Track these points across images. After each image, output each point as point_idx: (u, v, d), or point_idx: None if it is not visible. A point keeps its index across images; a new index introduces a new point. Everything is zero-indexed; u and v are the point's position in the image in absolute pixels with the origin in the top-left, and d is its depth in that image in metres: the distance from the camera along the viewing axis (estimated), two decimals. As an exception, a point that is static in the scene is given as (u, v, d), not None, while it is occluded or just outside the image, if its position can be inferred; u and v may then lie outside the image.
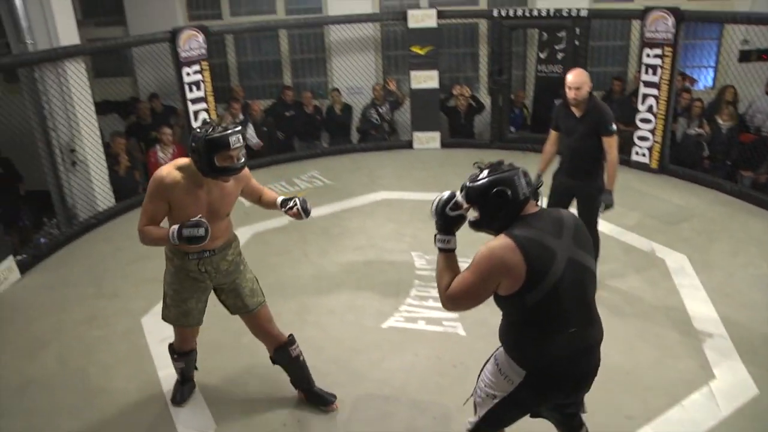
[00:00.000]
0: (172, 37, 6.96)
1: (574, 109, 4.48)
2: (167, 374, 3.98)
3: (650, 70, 7.06)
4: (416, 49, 8.17)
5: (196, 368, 3.81)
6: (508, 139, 8.31)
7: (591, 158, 4.50)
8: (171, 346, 3.64)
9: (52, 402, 3.86)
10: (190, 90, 7.19)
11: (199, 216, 3.00)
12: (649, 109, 7.15)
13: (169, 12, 8.90)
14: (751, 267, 5.11)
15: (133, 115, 8.33)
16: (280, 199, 3.39)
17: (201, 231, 2.94)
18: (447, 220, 2.41)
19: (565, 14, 7.58)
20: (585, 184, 4.55)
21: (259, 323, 3.51)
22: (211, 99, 7.38)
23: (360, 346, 4.24)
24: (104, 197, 6.74)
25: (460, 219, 2.42)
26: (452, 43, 9.23)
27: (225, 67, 9.28)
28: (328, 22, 8.51)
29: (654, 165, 7.29)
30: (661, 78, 6.97)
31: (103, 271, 5.53)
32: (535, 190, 2.37)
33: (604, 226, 5.76)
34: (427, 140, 8.44)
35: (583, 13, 7.52)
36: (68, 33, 6.27)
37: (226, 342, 4.32)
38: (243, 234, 5.93)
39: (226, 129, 2.97)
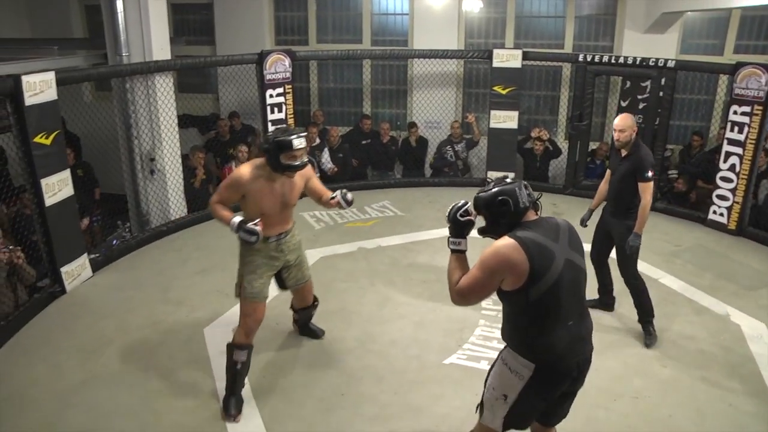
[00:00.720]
0: (260, 59, 7.16)
1: (621, 150, 4.70)
2: (224, 387, 4.01)
3: (736, 128, 6.84)
4: (498, 89, 8.15)
5: (243, 384, 3.96)
6: (582, 186, 8.17)
7: (628, 198, 4.65)
8: (230, 345, 3.87)
9: (112, 400, 3.94)
10: (272, 111, 7.34)
11: (258, 221, 3.65)
12: (732, 168, 6.92)
13: (257, 35, 9.19)
14: (840, 343, 4.82)
15: (213, 131, 8.57)
16: (329, 194, 4.01)
17: (253, 239, 3.60)
18: (458, 224, 2.75)
19: (651, 63, 7.46)
20: (619, 222, 4.72)
21: (305, 291, 4.33)
22: (291, 121, 7.51)
23: (421, 380, 4.19)
24: (177, 207, 6.94)
25: (470, 224, 2.75)
26: (534, 84, 9.22)
27: (307, 92, 9.51)
28: (414, 55, 8.57)
29: (732, 226, 7.02)
30: (747, 137, 6.75)
31: (170, 278, 5.65)
32: (535, 201, 2.70)
33: (675, 283, 5.69)
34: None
35: (670, 64, 7.38)
36: (161, 48, 6.56)
37: (283, 361, 4.37)
38: (311, 256, 5.94)
39: (291, 133, 3.64)
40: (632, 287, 4.78)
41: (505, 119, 8.23)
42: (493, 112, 8.28)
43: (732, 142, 6.90)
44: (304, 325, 4.62)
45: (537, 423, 2.95)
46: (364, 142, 8.66)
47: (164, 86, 6.55)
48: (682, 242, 6.68)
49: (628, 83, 8.29)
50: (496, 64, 8.12)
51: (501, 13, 9.07)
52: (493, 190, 2.65)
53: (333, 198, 3.95)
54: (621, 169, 4.68)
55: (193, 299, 5.23)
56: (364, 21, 9.29)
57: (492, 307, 5.12)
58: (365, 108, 9.44)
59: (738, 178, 6.89)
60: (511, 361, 2.68)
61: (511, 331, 2.70)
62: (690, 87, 8.66)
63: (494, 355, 4.33)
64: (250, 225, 3.59)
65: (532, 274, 2.48)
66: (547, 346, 2.59)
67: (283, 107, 7.40)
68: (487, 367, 4.18)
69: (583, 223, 4.97)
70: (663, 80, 7.46)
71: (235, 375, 3.84)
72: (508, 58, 8.08)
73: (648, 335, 4.74)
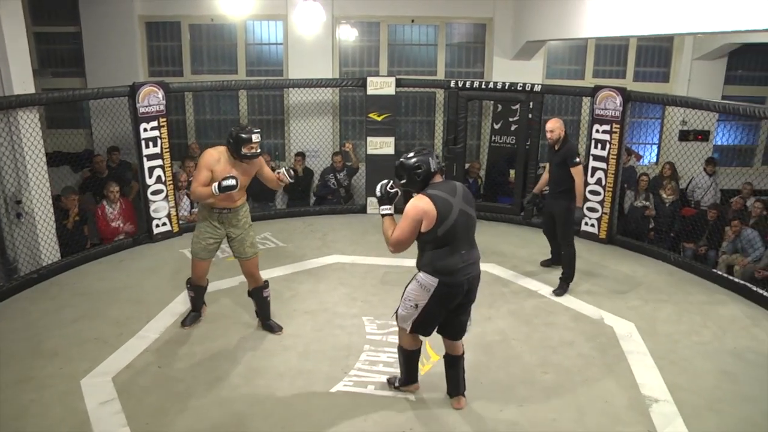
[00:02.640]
0: (132, 91, 6.91)
1: (555, 146, 5.96)
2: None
3: (599, 145, 7.32)
4: (374, 116, 8.31)
5: (204, 303, 5.34)
6: (461, 207, 8.40)
7: (562, 183, 5.91)
8: (188, 280, 5.13)
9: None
10: (147, 146, 7.07)
11: (229, 175, 4.58)
12: (598, 182, 7.38)
13: (130, 66, 8.93)
14: (695, 335, 5.26)
15: (87, 168, 8.17)
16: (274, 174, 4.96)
17: (232, 181, 4.52)
18: (389, 195, 3.85)
19: (519, 88, 7.85)
20: (558, 203, 5.99)
21: (249, 267, 5.00)
22: (167, 155, 7.26)
23: (309, 410, 4.13)
24: (49, 251, 6.52)
25: (396, 194, 3.86)
26: (410, 110, 9.47)
27: (183, 124, 9.31)
28: (289, 85, 8.60)
29: (602, 235, 7.47)
30: (609, 152, 7.24)
31: (43, 329, 5.25)
32: (441, 168, 3.81)
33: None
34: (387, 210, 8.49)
35: (537, 88, 7.79)
36: (23, 81, 6.14)
37: (167, 405, 4.20)
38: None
39: (250, 130, 4.60)
40: (566, 252, 6.02)
41: (382, 145, 8.39)
42: (369, 139, 8.42)
43: (597, 158, 7.36)
44: (263, 319, 5.21)
45: (445, 339, 4.04)
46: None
47: (29, 122, 6.16)
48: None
49: (500, 107, 8.69)
50: (370, 91, 8.28)
51: (374, 42, 9.31)
52: (413, 159, 3.71)
53: (278, 173, 4.90)
54: (555, 160, 5.96)
55: (69, 350, 4.88)
56: (238, 51, 9.27)
57: (376, 331, 5.19)
58: (244, 139, 9.30)
59: (604, 191, 7.35)
60: (422, 280, 3.74)
61: (424, 260, 3.74)
62: (557, 108, 9.20)
63: (381, 379, 4.47)
64: (223, 180, 4.51)
65: (439, 218, 3.58)
66: (446, 265, 3.67)
67: (158, 141, 7.15)
68: (375, 392, 4.31)
69: (528, 203, 6.72)
70: (531, 103, 7.85)
71: (191, 300, 5.22)
72: (382, 85, 8.27)
73: (559, 288, 6.01)
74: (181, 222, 7.51)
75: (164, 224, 7.38)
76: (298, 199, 8.83)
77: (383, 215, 3.84)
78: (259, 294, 5.11)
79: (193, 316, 5.29)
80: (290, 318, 5.45)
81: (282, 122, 9.42)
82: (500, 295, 5.96)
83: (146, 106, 7.02)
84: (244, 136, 4.58)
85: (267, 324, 5.20)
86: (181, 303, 5.58)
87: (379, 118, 8.32)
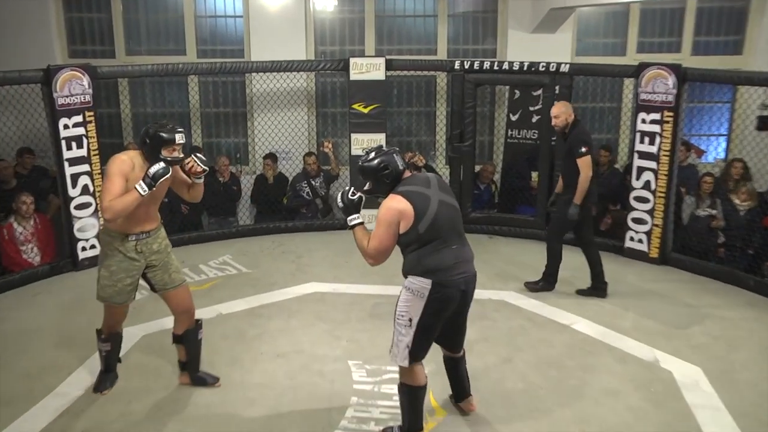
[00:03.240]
0: (47, 77, 6.81)
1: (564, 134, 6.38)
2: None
3: (646, 139, 7.22)
4: (359, 107, 8.28)
5: (119, 360, 5.05)
6: (469, 220, 8.27)
7: (572, 175, 6.21)
8: (98, 330, 4.90)
9: None
10: (69, 147, 6.99)
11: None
12: (646, 186, 7.28)
13: (43, 45, 8.81)
14: (787, 382, 5.08)
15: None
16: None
17: (161, 164, 4.34)
18: (352, 203, 4.19)
19: (542, 69, 7.78)
20: (564, 195, 6.37)
21: (181, 297, 4.82)
22: (96, 160, 7.16)
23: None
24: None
25: (361, 199, 4.19)
26: (404, 99, 9.43)
27: (117, 119, 9.23)
28: (251, 69, 8.53)
29: (654, 254, 7.37)
30: (660, 148, 7.13)
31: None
32: (406, 164, 4.09)
33: (591, 328, 5.92)
34: (369, 219, 8.33)
35: (564, 68, 7.72)
36: None
37: None
38: (132, 336, 5.65)
39: (172, 129, 4.46)
40: (549, 250, 6.56)
41: (370, 143, 8.21)
42: (354, 136, 8.39)
43: (644, 155, 7.27)
44: (192, 371, 5.02)
45: (444, 349, 4.37)
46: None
47: None
48: (596, 278, 6.90)
49: (517, 93, 8.58)
50: (354, 76, 8.25)
51: (358, 13, 9.27)
52: (376, 159, 3.99)
53: (188, 164, 4.61)
54: (563, 151, 6.42)
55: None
56: (186, 26, 9.21)
57: (366, 379, 5.07)
58: (195, 138, 9.27)
59: (655, 197, 7.23)
60: (413, 285, 3.94)
61: (410, 263, 3.97)
62: (591, 94, 9.15)
63: (372, 442, 4.35)
64: (149, 169, 4.33)
65: (417, 214, 3.85)
66: (438, 262, 3.90)
67: (84, 141, 7.06)
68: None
69: (551, 205, 6.87)
70: (558, 88, 7.77)
71: (103, 359, 4.95)
72: (368, 68, 8.24)
73: (536, 282, 6.65)
74: (115, 243, 7.35)
75: (93, 247, 7.27)
76: (270, 213, 8.80)
77: (352, 226, 4.17)
78: (193, 336, 4.91)
79: (109, 378, 4.99)
80: (256, 363, 5.34)
81: (244, 116, 9.39)
82: (522, 331, 5.84)
83: (67, 96, 6.95)
84: (165, 135, 4.42)
85: (197, 377, 5.02)
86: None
87: (366, 110, 8.29)
